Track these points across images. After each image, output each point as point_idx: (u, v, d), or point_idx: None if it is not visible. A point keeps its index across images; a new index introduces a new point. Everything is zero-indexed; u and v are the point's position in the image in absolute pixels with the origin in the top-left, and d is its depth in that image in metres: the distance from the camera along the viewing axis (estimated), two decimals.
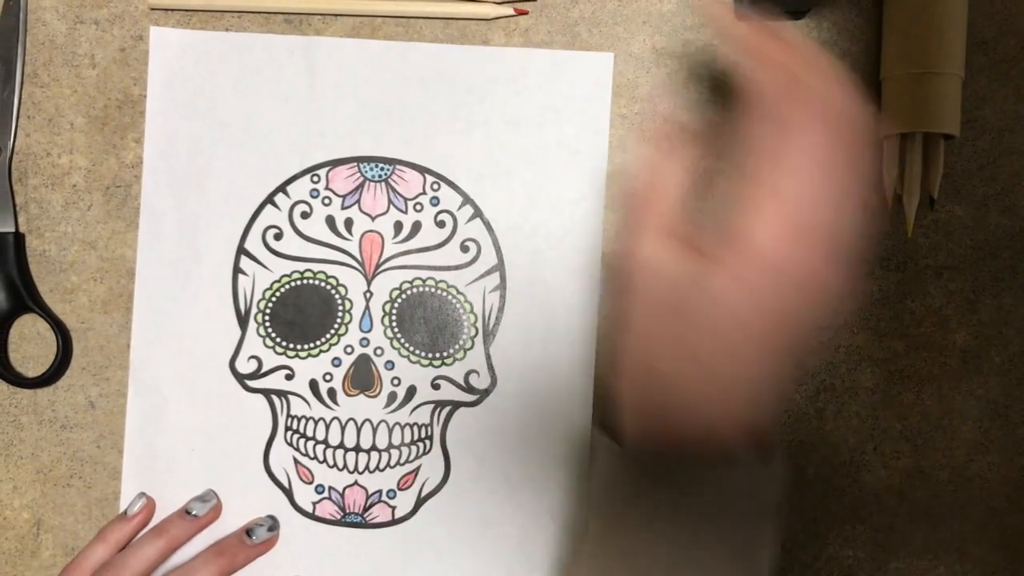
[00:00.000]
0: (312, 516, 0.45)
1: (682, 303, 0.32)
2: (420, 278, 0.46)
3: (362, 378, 0.45)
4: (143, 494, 0.45)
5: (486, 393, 0.45)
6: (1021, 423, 0.46)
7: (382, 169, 0.46)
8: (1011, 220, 0.46)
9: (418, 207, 0.46)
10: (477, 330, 0.46)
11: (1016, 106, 0.46)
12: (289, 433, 0.45)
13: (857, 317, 0.46)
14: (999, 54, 0.46)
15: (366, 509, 0.45)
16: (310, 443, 0.45)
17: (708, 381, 0.32)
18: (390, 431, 0.45)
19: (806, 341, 0.33)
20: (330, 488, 0.45)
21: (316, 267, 0.45)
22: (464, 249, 0.46)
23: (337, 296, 0.46)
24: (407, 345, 0.45)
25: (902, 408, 0.46)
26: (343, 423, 0.45)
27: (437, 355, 0.46)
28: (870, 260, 0.46)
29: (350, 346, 0.45)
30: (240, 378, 0.46)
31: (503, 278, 0.46)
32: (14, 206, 0.46)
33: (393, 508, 0.45)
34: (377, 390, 0.45)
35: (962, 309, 0.46)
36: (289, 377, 0.46)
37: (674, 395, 0.32)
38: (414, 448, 0.45)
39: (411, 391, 0.45)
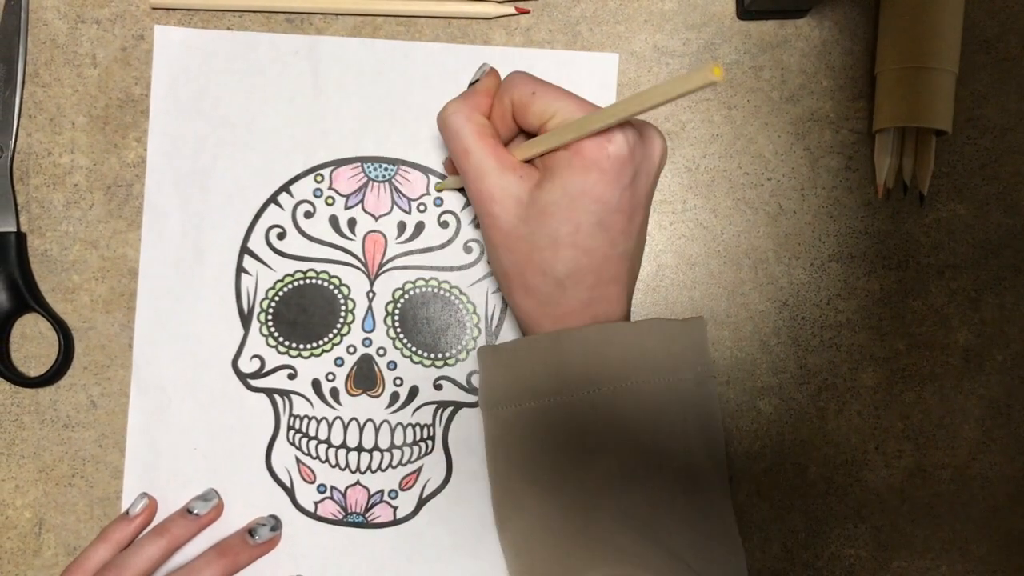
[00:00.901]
0: (314, 516, 0.45)
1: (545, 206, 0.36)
2: (423, 278, 0.45)
3: (364, 378, 0.45)
4: (145, 494, 0.45)
5: None
6: (1023, 422, 0.46)
7: (386, 169, 0.46)
8: (1013, 219, 0.46)
9: (421, 207, 0.46)
10: (480, 331, 0.45)
11: (1018, 105, 0.46)
12: (291, 433, 0.45)
13: (859, 316, 0.46)
14: (1001, 53, 0.46)
15: (368, 509, 0.45)
16: (312, 443, 0.45)
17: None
18: (392, 431, 0.45)
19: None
20: (332, 488, 0.45)
21: (319, 267, 0.45)
22: (467, 250, 0.46)
23: (340, 296, 0.45)
24: (409, 345, 0.45)
25: (904, 407, 0.46)
26: (345, 423, 0.45)
27: (439, 355, 0.46)
28: (871, 259, 0.46)
29: (353, 346, 0.45)
30: (243, 377, 0.46)
31: None
32: (16, 205, 0.46)
33: (395, 508, 0.45)
34: (379, 390, 0.45)
35: (964, 308, 0.46)
36: (292, 377, 0.46)
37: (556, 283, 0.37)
38: (416, 448, 0.45)
39: (413, 391, 0.45)
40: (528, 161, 0.38)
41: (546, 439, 0.38)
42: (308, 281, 0.45)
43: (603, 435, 0.37)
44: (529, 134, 0.39)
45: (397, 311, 0.45)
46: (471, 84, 0.40)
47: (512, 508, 0.39)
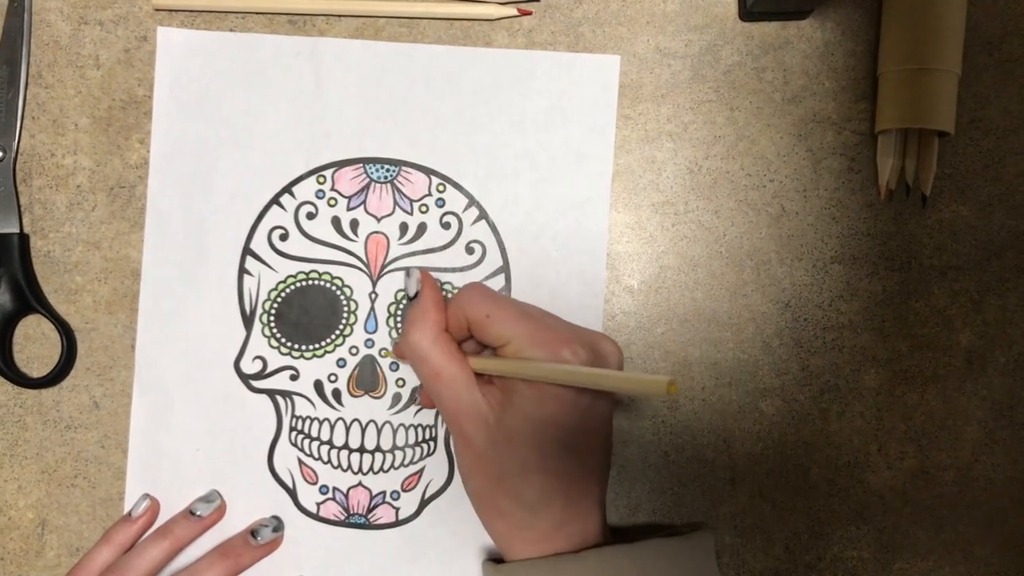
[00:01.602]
0: (316, 517, 0.45)
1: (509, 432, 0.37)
2: None
3: (367, 379, 0.45)
4: (147, 495, 0.45)
5: None
6: None
7: (388, 170, 0.46)
8: (1016, 220, 0.46)
9: (424, 208, 0.46)
10: None
11: (1020, 106, 0.46)
12: (294, 434, 0.46)
13: (862, 317, 0.46)
14: (1004, 54, 0.46)
15: (370, 510, 0.45)
16: (314, 444, 0.45)
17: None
18: (394, 432, 0.45)
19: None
20: (334, 489, 0.45)
21: (322, 268, 0.45)
22: (469, 251, 0.46)
23: (342, 297, 0.46)
24: None
25: (906, 409, 0.46)
26: (348, 424, 0.45)
27: None
28: (873, 260, 0.46)
29: (355, 347, 0.45)
30: (245, 378, 0.46)
31: (508, 279, 0.46)
32: (18, 207, 0.46)
33: (397, 509, 0.45)
34: (382, 391, 0.45)
35: (966, 309, 0.46)
36: (294, 378, 0.46)
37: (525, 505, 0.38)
38: (418, 449, 0.45)
39: (415, 392, 0.45)
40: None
41: None
42: (310, 282, 0.46)
43: None
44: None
45: (399, 312, 0.46)
46: (411, 298, 0.41)
47: None
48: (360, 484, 0.45)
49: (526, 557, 0.38)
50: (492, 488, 0.38)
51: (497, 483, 0.37)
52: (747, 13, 0.46)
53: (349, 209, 0.46)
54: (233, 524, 0.45)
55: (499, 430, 0.37)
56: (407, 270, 0.43)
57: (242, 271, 0.46)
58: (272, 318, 0.46)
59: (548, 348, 0.36)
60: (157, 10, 0.46)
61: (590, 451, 0.38)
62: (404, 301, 0.45)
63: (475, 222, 0.46)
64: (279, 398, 0.46)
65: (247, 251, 0.46)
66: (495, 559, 0.41)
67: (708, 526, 0.40)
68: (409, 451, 0.45)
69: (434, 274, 0.45)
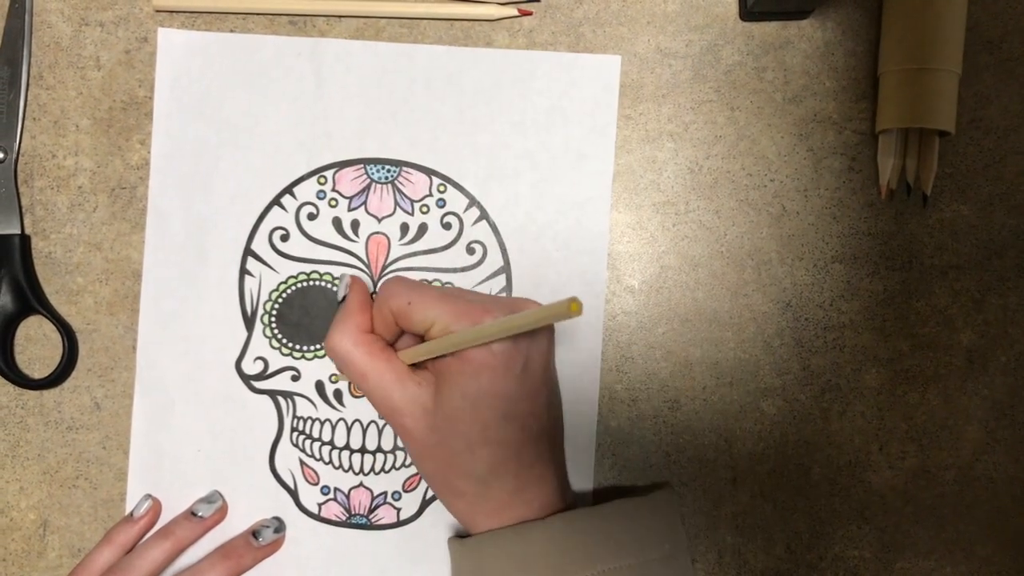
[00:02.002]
0: (318, 517, 0.45)
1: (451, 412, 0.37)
2: (426, 280, 0.46)
3: None
4: (149, 495, 0.45)
5: None
6: None
7: (388, 171, 0.46)
8: (1016, 219, 0.46)
9: (424, 209, 0.46)
10: None
11: (1021, 105, 0.46)
12: (295, 434, 0.46)
13: (863, 317, 0.46)
14: (1004, 53, 0.46)
15: (371, 511, 0.45)
16: (316, 444, 0.45)
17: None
18: (395, 433, 0.45)
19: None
20: (336, 489, 0.45)
21: (323, 269, 0.45)
22: (470, 251, 0.46)
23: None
24: None
25: (907, 408, 0.46)
26: (349, 424, 0.45)
27: None
28: (874, 260, 0.46)
29: None
30: (246, 379, 0.46)
31: (509, 280, 0.46)
32: (20, 208, 0.46)
33: (398, 510, 0.45)
34: None
35: (967, 309, 0.46)
36: (295, 378, 0.46)
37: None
38: None
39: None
40: (418, 364, 0.39)
41: None
42: (312, 283, 0.46)
43: None
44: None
45: None
46: (340, 301, 0.41)
47: None
48: (361, 485, 0.45)
49: (490, 528, 0.38)
50: (443, 470, 0.38)
51: (447, 465, 0.38)
52: (748, 13, 0.46)
53: (350, 210, 0.46)
54: (235, 525, 0.45)
55: (438, 414, 0.37)
56: (340, 276, 0.43)
57: (243, 272, 0.46)
58: (273, 319, 0.46)
59: (470, 319, 0.36)
60: (158, 11, 0.46)
61: (533, 415, 0.38)
62: None
63: (476, 222, 0.46)
64: (280, 399, 0.46)
65: (248, 252, 0.46)
66: (461, 535, 0.41)
67: (671, 485, 0.41)
68: None
69: (433, 275, 0.46)
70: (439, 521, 0.45)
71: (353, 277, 0.42)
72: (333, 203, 0.46)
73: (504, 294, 0.46)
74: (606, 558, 0.37)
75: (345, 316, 0.40)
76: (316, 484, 0.45)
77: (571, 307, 0.30)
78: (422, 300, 0.37)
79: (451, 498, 0.39)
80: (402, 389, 0.38)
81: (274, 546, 0.45)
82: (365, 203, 0.46)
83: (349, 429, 0.45)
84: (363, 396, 0.45)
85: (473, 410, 0.36)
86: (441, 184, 0.46)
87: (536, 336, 0.38)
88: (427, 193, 0.46)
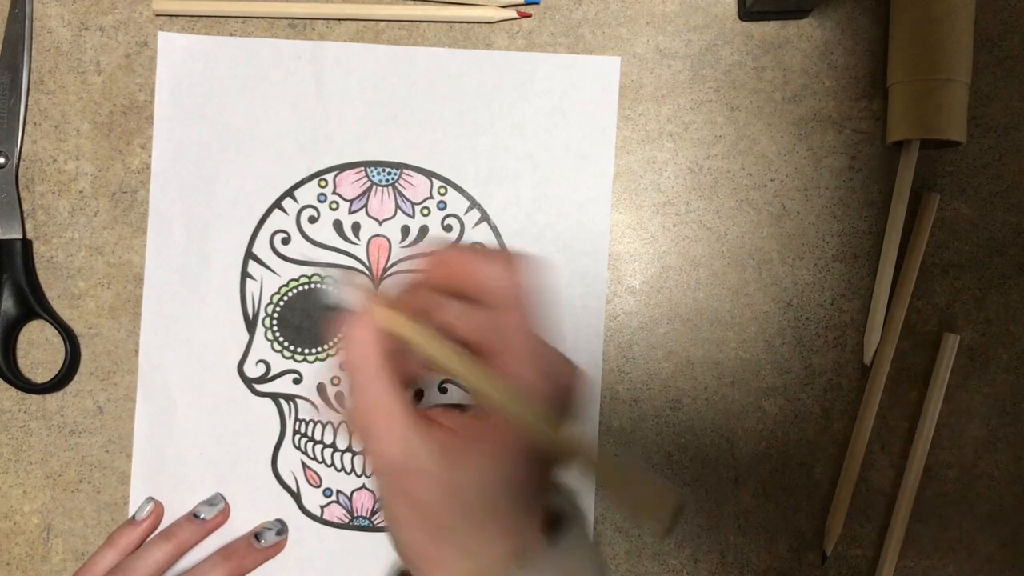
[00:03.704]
0: (320, 519, 0.45)
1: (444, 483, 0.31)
2: None
3: None
4: (151, 498, 0.45)
5: None
6: None
7: (389, 173, 0.46)
8: (1017, 217, 0.46)
9: (425, 211, 0.46)
10: None
11: (1022, 103, 0.46)
12: (297, 437, 0.46)
13: (863, 316, 0.46)
14: (1004, 52, 0.46)
15: (374, 512, 0.45)
16: (318, 447, 0.45)
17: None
18: None
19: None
20: (338, 492, 0.45)
21: (324, 271, 0.46)
22: None
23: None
24: None
25: (909, 407, 0.46)
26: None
27: None
28: (875, 258, 0.46)
29: None
30: (248, 382, 0.46)
31: None
32: (21, 213, 0.46)
33: None
34: None
35: (968, 307, 0.46)
36: (297, 381, 0.46)
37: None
38: None
39: (418, 395, 0.45)
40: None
41: None
42: (313, 286, 0.46)
43: None
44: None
45: None
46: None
47: None
48: (364, 487, 0.45)
49: None
50: (432, 543, 0.32)
51: (437, 538, 0.32)
52: (747, 13, 0.46)
53: (351, 212, 0.46)
54: (237, 527, 0.45)
55: (447, 485, 0.31)
56: (333, 278, 0.40)
57: (244, 275, 0.46)
58: (275, 322, 0.46)
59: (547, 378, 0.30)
60: (158, 15, 0.46)
61: (538, 491, 0.33)
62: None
63: (477, 224, 0.46)
64: (282, 401, 0.46)
65: (249, 255, 0.46)
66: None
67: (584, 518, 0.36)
68: None
69: None
70: None
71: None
72: (334, 206, 0.46)
73: None
74: None
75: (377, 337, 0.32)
76: (318, 486, 0.46)
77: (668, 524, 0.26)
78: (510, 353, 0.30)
79: (429, 569, 0.33)
80: (415, 443, 0.31)
81: (276, 548, 0.45)
82: (366, 206, 0.46)
83: (351, 431, 0.45)
84: None
85: (486, 491, 0.31)
86: (442, 186, 0.46)
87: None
88: (428, 195, 0.46)
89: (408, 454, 0.31)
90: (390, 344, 0.32)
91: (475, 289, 0.31)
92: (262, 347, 0.46)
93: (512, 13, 0.46)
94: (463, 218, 0.46)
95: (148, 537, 0.44)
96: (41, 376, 0.46)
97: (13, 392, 0.46)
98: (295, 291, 0.46)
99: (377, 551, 0.45)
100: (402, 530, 0.33)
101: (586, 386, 0.33)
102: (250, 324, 0.46)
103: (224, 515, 0.45)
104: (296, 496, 0.45)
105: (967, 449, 0.46)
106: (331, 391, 0.46)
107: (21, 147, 0.46)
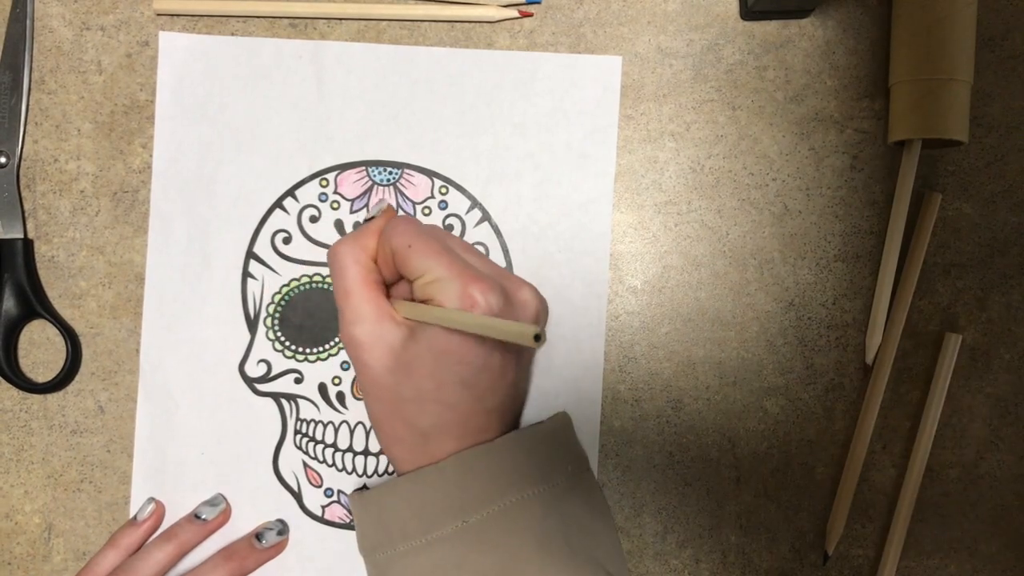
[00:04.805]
0: (321, 520, 0.45)
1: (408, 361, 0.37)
2: None
3: None
4: (152, 499, 0.45)
5: None
6: None
7: (390, 173, 0.46)
8: (1019, 217, 0.46)
9: (426, 211, 0.46)
10: None
11: (1023, 102, 0.46)
12: (298, 437, 0.46)
13: (865, 316, 0.46)
14: (1006, 51, 0.46)
15: None
16: (319, 447, 0.45)
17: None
18: None
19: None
20: (339, 491, 0.45)
21: (325, 271, 0.45)
22: None
23: None
24: None
25: (911, 407, 0.46)
26: (352, 427, 0.45)
27: None
28: (876, 258, 0.46)
29: None
30: (249, 382, 0.46)
31: None
32: (22, 212, 0.46)
33: None
34: None
35: (970, 307, 0.46)
36: (298, 381, 0.46)
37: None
38: None
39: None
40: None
41: None
42: (314, 285, 0.46)
43: (482, 566, 0.36)
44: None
45: None
46: (366, 220, 0.41)
47: None
48: (365, 487, 0.45)
49: None
50: (389, 413, 0.38)
51: (394, 409, 0.38)
52: (748, 12, 0.46)
53: (352, 212, 0.46)
54: (238, 527, 0.45)
55: (400, 357, 0.37)
56: (380, 200, 0.43)
57: (246, 275, 0.46)
58: (276, 321, 0.46)
59: (461, 282, 0.36)
60: (159, 15, 0.46)
61: (491, 390, 0.38)
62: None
63: (478, 224, 0.46)
64: (284, 401, 0.46)
65: (250, 255, 0.46)
66: (360, 488, 0.41)
67: (564, 412, 0.42)
68: None
69: None
70: None
71: (389, 204, 0.42)
72: (335, 205, 0.46)
73: None
74: (508, 490, 0.37)
75: (360, 233, 0.40)
76: (319, 486, 0.45)
77: (532, 338, 0.31)
78: (423, 247, 0.37)
79: (391, 443, 0.39)
80: (375, 324, 0.37)
81: (277, 548, 0.45)
82: (367, 205, 0.46)
83: (352, 431, 0.45)
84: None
85: (434, 365, 0.36)
86: (443, 186, 0.46)
87: (519, 315, 0.38)
88: (429, 195, 0.46)
89: (371, 335, 0.37)
90: (366, 257, 0.39)
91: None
92: (263, 347, 0.46)
93: (513, 13, 0.46)
94: (464, 218, 0.46)
95: (150, 537, 0.44)
96: (42, 376, 0.46)
97: (14, 392, 0.46)
98: (296, 291, 0.46)
99: None
100: (367, 401, 0.39)
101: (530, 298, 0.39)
102: (251, 324, 0.46)
103: (225, 515, 0.45)
104: (297, 496, 0.45)
105: (969, 449, 0.46)
106: (332, 391, 0.46)
107: (22, 147, 0.46)
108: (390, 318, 0.38)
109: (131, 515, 0.45)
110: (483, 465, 0.37)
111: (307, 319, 0.46)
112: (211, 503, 0.45)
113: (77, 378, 0.46)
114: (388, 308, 0.38)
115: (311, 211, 0.46)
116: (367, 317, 0.38)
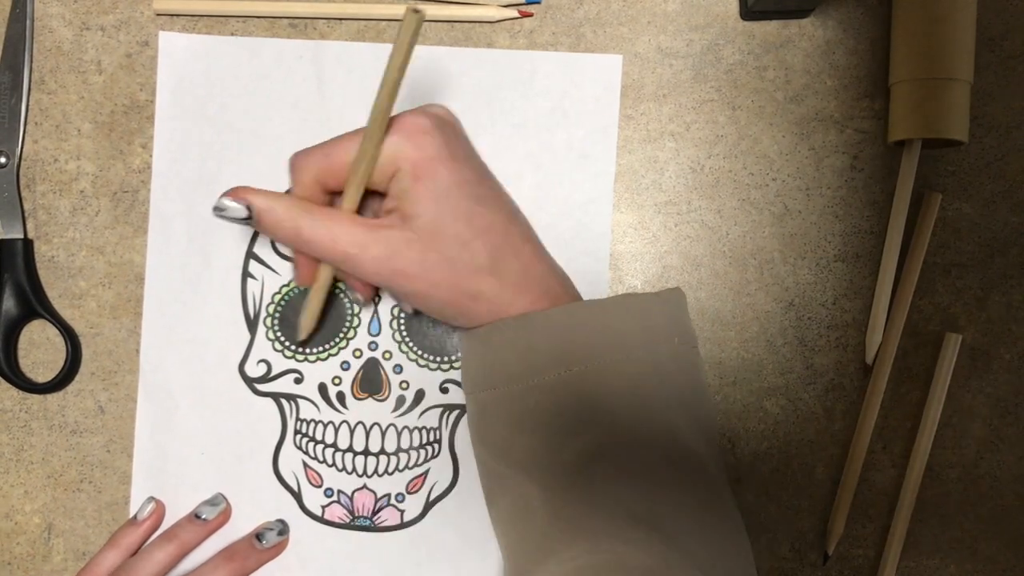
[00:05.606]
0: (321, 520, 0.45)
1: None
2: None
3: (371, 382, 0.45)
4: (152, 498, 0.45)
5: None
6: None
7: None
8: (1019, 217, 0.46)
9: None
10: None
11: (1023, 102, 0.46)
12: (298, 437, 0.46)
13: (865, 316, 0.46)
14: (1006, 51, 0.46)
15: (375, 513, 0.45)
16: (319, 447, 0.45)
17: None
18: (399, 435, 0.45)
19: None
20: (339, 492, 0.45)
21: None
22: None
23: (346, 300, 0.46)
24: (415, 349, 0.45)
25: (911, 407, 0.46)
26: (352, 427, 0.45)
27: (445, 359, 0.46)
28: (876, 258, 0.46)
29: (359, 350, 0.45)
30: (249, 382, 0.46)
31: None
32: (22, 212, 0.46)
33: (402, 512, 0.45)
34: (386, 394, 0.45)
35: (970, 307, 0.46)
36: (298, 381, 0.46)
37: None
38: (423, 452, 0.45)
39: (419, 395, 0.45)
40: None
41: (521, 422, 0.38)
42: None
43: (576, 417, 0.37)
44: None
45: (403, 315, 0.46)
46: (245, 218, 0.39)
47: (496, 488, 0.40)
48: (365, 487, 0.45)
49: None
50: (452, 282, 0.37)
51: (453, 274, 0.37)
52: (748, 12, 0.46)
53: None
54: (238, 527, 0.45)
55: (421, 234, 0.37)
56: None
57: (245, 275, 0.46)
58: (276, 322, 0.46)
59: (393, 137, 0.37)
60: (159, 15, 0.46)
61: (497, 196, 0.39)
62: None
63: None
64: (283, 401, 0.46)
65: (250, 255, 0.46)
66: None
67: (679, 288, 0.41)
68: (413, 453, 0.45)
69: None
70: (443, 522, 0.45)
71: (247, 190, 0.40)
72: None
73: None
74: (610, 350, 0.37)
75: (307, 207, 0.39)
76: (319, 486, 0.45)
77: (412, 13, 0.33)
78: (332, 144, 0.38)
79: (471, 305, 0.38)
80: (376, 245, 0.37)
81: (278, 548, 0.45)
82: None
83: (352, 431, 0.45)
84: (366, 398, 0.45)
85: (450, 206, 0.37)
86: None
87: (434, 111, 0.38)
88: None
89: (382, 251, 0.37)
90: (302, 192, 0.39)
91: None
92: (263, 347, 0.46)
93: (513, 12, 0.46)
94: None
95: (150, 537, 0.44)
96: (42, 376, 0.46)
97: (14, 392, 0.46)
98: (297, 291, 0.46)
99: (378, 551, 0.45)
100: (433, 297, 0.38)
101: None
102: (251, 324, 0.46)
103: (225, 515, 0.45)
104: (297, 496, 0.45)
105: (969, 449, 0.46)
106: (332, 391, 0.46)
107: (22, 147, 0.46)
108: (381, 227, 0.37)
109: (131, 515, 0.45)
110: (590, 320, 0.37)
111: None
112: (211, 503, 0.45)
113: (77, 378, 0.46)
114: (369, 221, 0.38)
115: None
116: (370, 243, 0.37)
